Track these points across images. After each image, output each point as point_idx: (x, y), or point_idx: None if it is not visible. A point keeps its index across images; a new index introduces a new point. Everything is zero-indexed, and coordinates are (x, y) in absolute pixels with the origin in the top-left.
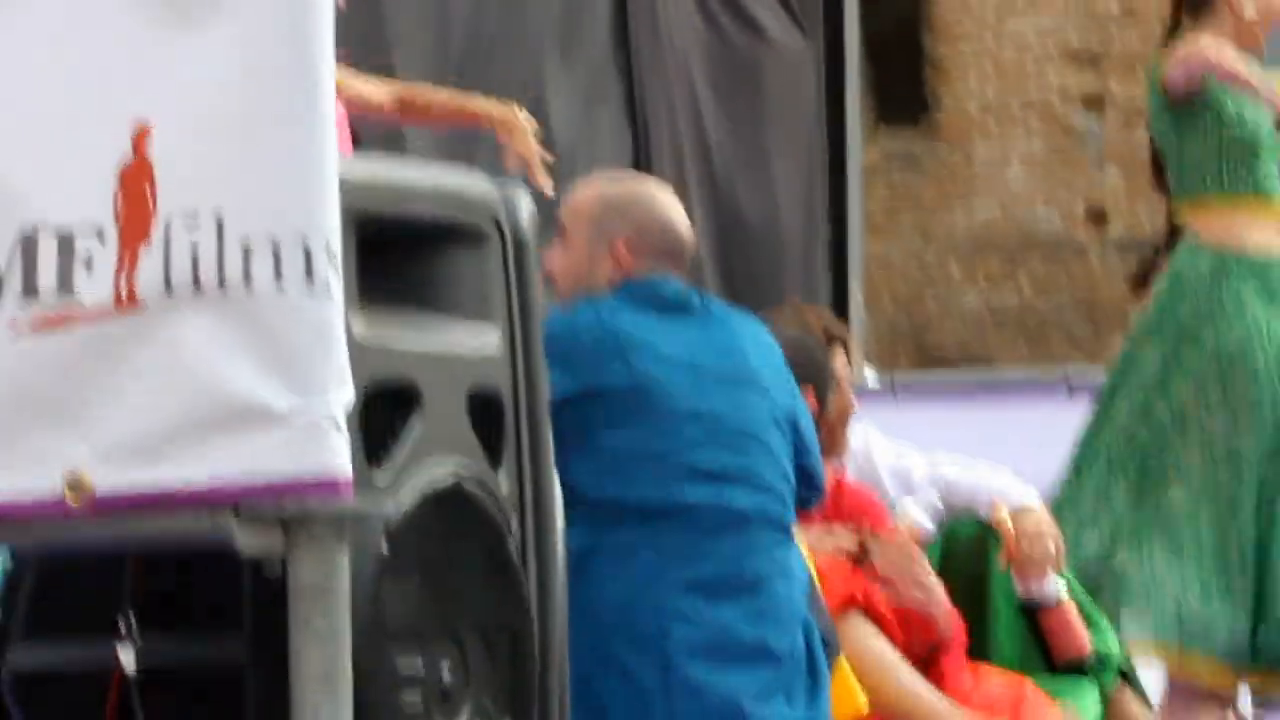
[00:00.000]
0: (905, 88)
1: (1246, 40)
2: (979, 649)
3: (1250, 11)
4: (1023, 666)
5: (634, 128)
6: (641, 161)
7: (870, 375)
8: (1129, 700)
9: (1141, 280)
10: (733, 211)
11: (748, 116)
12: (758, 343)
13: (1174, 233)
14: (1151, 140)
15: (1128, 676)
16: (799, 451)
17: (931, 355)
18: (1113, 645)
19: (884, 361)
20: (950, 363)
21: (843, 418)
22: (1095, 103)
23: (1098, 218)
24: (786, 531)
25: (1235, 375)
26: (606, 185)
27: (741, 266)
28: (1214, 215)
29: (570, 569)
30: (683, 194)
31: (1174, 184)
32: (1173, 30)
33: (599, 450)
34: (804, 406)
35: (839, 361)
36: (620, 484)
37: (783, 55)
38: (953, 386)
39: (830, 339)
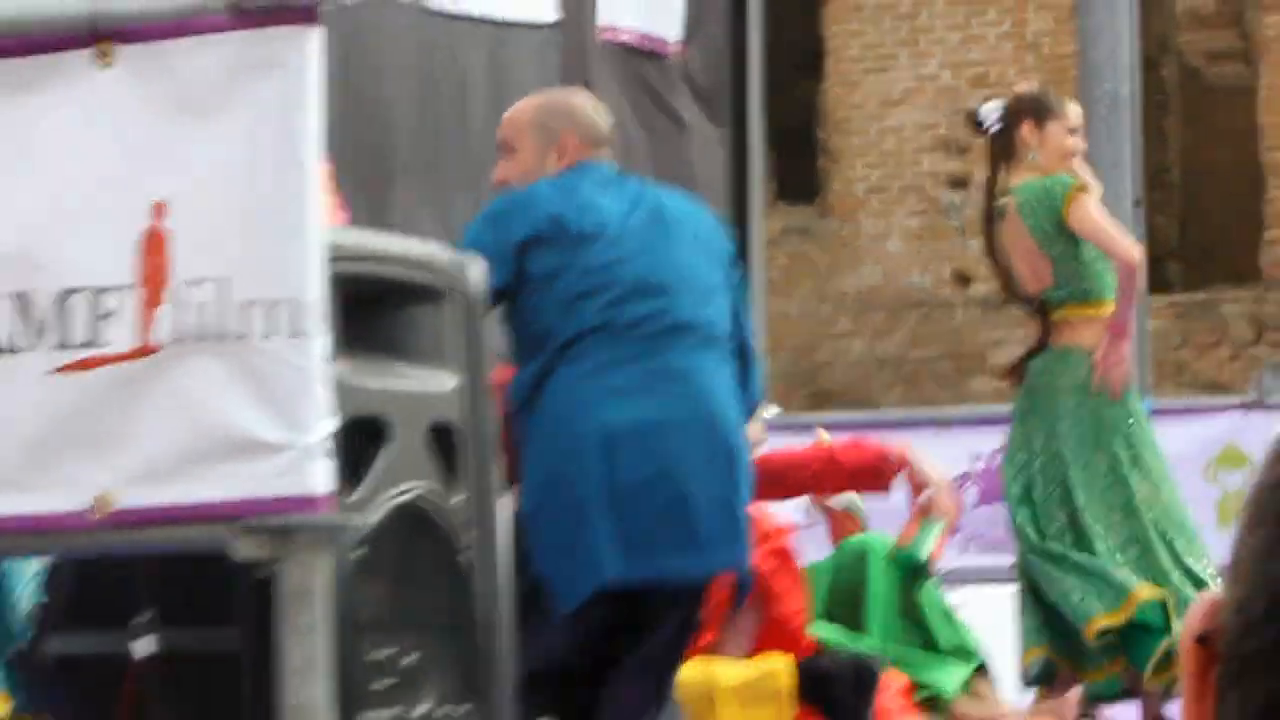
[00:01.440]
0: (801, 171)
1: (1061, 163)
2: (858, 627)
3: (1051, 160)
4: (900, 645)
5: None
6: None
7: (773, 412)
8: (984, 684)
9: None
10: None
11: (673, 181)
12: (695, 210)
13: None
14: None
15: (983, 667)
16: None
17: (823, 397)
18: (972, 642)
19: (784, 401)
20: (839, 403)
21: (755, 446)
22: (960, 183)
23: (962, 280)
24: (723, 350)
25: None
26: (537, 98)
27: None
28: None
29: (528, 397)
30: None
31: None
32: (995, 177)
33: (555, 291)
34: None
35: None
36: (576, 317)
37: (699, 142)
38: (841, 424)
39: None
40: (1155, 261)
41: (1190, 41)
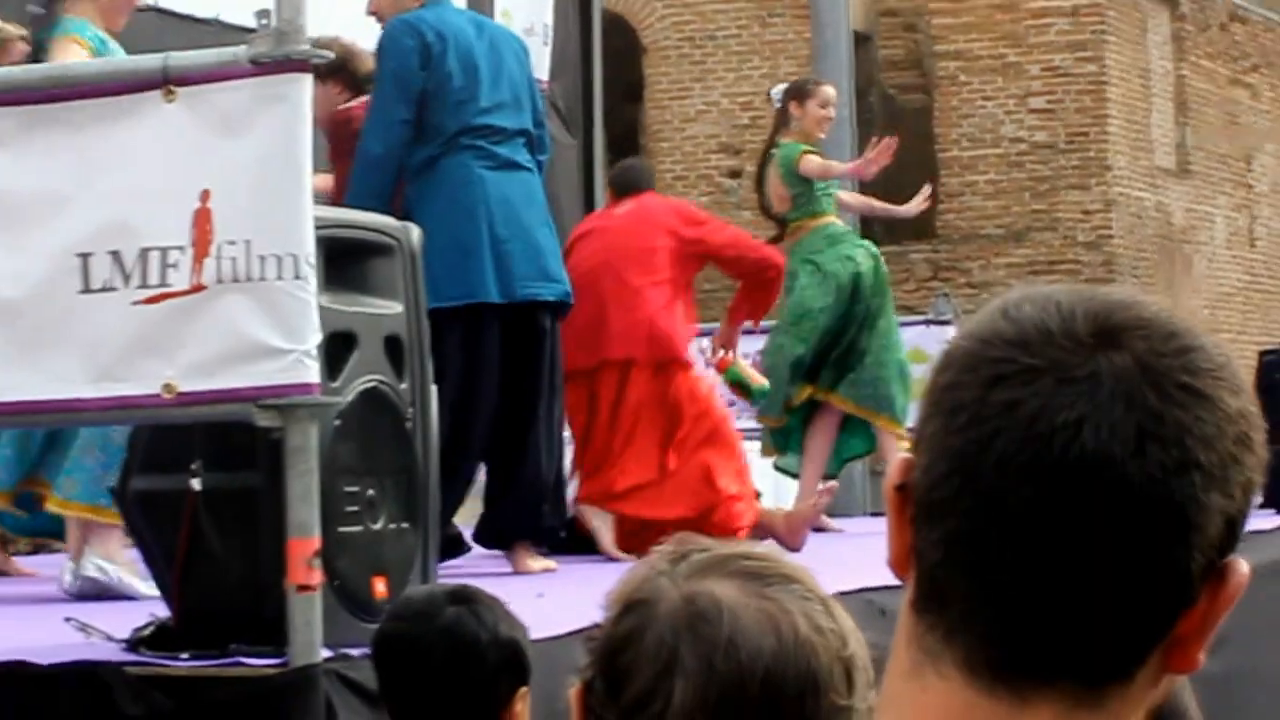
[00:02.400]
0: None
1: (809, 143)
2: None
3: (810, 129)
4: None
5: None
6: None
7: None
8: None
9: None
10: None
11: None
12: (510, 38)
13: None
14: (760, 185)
15: None
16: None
17: None
18: None
19: None
20: None
21: None
22: (736, 174)
23: None
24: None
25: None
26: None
27: None
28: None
29: (421, 175)
30: None
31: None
32: (773, 142)
33: (443, 100)
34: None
35: None
36: (456, 118)
37: (561, 149)
38: None
39: None
40: (865, 225)
41: (888, 78)
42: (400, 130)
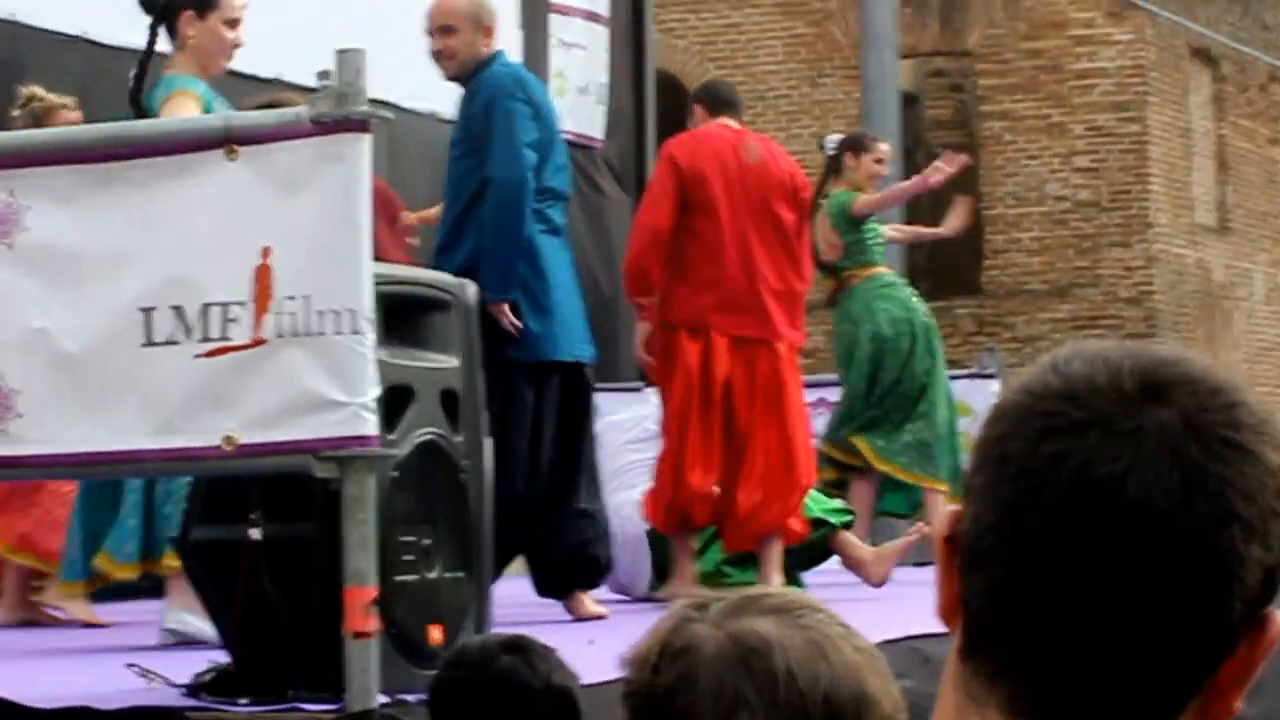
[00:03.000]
0: None
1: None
2: None
3: (862, 182)
4: None
5: None
6: None
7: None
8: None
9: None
10: (594, 279)
11: (599, 236)
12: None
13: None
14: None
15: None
16: None
17: None
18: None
19: None
20: None
21: None
22: None
23: None
24: None
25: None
26: None
27: (599, 305)
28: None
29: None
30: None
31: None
32: (822, 191)
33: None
34: None
35: None
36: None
37: (614, 204)
38: None
39: None
40: (912, 280)
41: (935, 136)
42: (530, 156)
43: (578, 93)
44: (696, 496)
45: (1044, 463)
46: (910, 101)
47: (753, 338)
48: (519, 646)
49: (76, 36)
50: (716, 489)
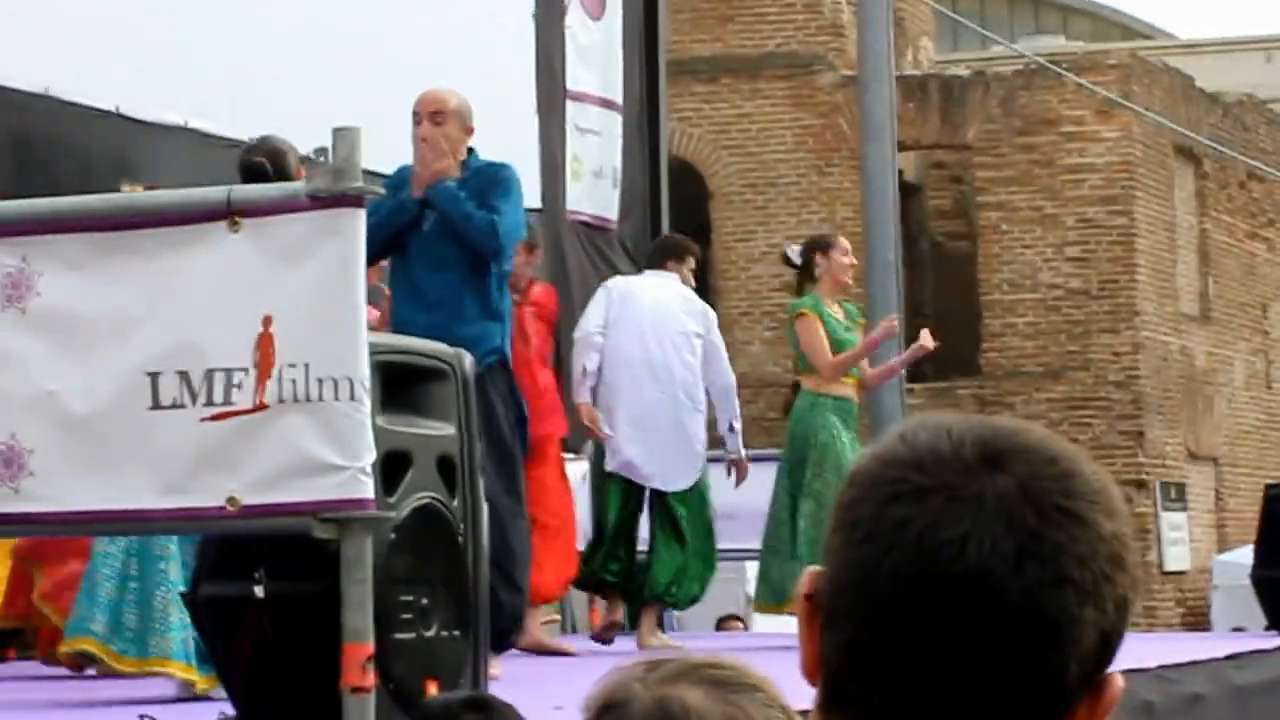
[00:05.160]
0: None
1: (839, 288)
2: None
3: (838, 275)
4: None
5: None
6: (556, 339)
7: None
8: None
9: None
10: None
11: None
12: None
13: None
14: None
15: None
16: None
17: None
18: None
19: None
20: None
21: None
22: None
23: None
24: None
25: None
26: (455, 94)
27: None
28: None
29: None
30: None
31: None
32: (800, 289)
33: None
34: None
35: None
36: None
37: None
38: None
39: None
40: (917, 361)
41: (936, 226)
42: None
43: (593, 176)
44: None
45: (890, 526)
46: (913, 191)
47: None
48: (480, 704)
49: (109, 112)
50: None
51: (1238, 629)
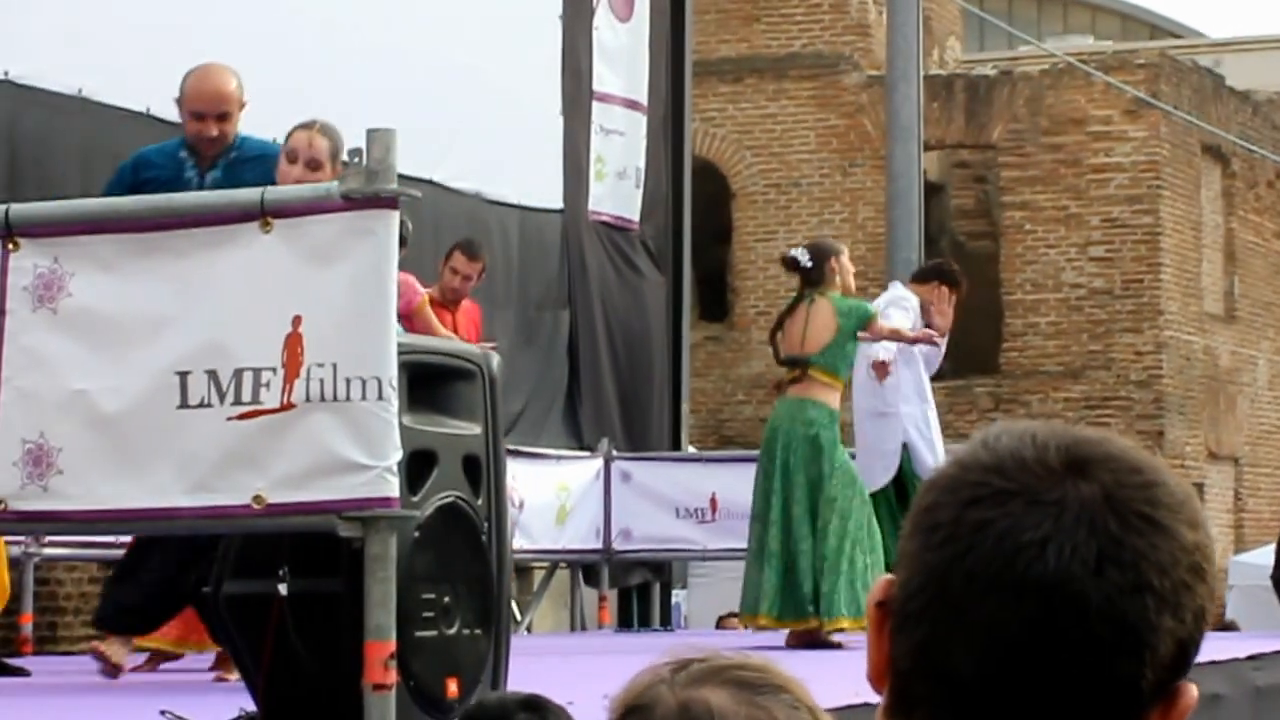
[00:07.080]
0: (715, 302)
1: (847, 293)
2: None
3: (848, 279)
4: None
5: (571, 328)
6: (575, 338)
7: (691, 449)
8: None
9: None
10: (630, 355)
11: (636, 315)
12: None
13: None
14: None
15: None
16: None
17: (726, 441)
18: None
19: (700, 443)
20: (735, 445)
21: None
22: None
23: None
24: None
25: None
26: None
27: (635, 379)
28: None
29: None
30: (608, 353)
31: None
32: (801, 295)
33: None
34: None
35: None
36: None
37: (650, 284)
38: (737, 458)
39: None
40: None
41: (959, 225)
42: None
43: (616, 177)
44: None
45: (969, 529)
46: (936, 191)
47: None
48: (535, 705)
49: (141, 113)
50: None
51: (1227, 626)
